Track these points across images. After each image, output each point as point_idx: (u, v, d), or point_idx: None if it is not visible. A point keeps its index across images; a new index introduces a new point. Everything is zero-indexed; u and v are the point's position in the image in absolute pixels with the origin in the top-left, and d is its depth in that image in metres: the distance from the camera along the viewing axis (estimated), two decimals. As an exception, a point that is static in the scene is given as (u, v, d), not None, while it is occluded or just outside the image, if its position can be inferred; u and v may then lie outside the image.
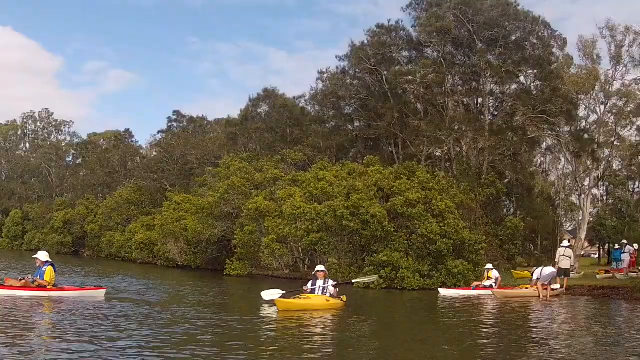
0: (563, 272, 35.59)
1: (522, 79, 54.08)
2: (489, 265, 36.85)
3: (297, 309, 23.29)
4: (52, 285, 25.20)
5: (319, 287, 25.54)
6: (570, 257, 36.11)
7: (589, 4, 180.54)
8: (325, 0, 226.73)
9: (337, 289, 26.20)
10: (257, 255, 45.86)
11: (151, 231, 61.97)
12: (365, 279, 31.59)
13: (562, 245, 37.84)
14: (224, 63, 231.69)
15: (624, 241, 46.87)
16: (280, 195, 46.38)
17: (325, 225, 40.96)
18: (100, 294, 26.45)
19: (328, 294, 25.39)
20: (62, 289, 25.75)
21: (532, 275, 34.42)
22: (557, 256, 36.59)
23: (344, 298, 26.31)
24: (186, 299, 27.98)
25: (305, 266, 45.70)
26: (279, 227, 43.77)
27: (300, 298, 24.48)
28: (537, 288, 32.73)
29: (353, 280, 31.30)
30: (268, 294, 25.96)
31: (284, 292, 25.44)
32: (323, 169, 48.31)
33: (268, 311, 23.25)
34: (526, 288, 33.96)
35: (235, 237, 47.39)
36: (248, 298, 31.49)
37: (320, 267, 26.73)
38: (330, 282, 26.03)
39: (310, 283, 26.07)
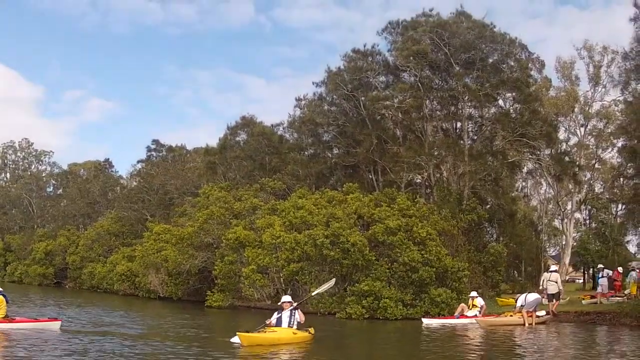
0: (552, 297, 35.35)
1: (500, 102, 53.93)
2: (474, 294, 36.32)
3: (262, 344, 22.27)
4: (2, 317, 24.66)
5: (285, 319, 24.23)
6: (556, 282, 35.79)
7: (565, 26, 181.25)
8: (302, 27, 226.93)
9: (303, 318, 24.62)
10: (238, 286, 45.24)
11: (132, 262, 61.37)
12: (324, 287, 29.23)
13: (549, 270, 37.56)
14: (203, 91, 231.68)
15: (601, 265, 46.79)
16: (259, 225, 45.89)
17: (306, 254, 40.49)
18: (55, 325, 25.80)
19: (295, 326, 24.22)
20: (12, 321, 25.15)
21: (516, 302, 34.01)
22: (544, 281, 36.32)
23: (312, 330, 25.03)
24: (153, 331, 27.54)
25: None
26: (259, 257, 43.23)
27: (265, 332, 23.27)
28: (521, 315, 32.35)
29: (312, 293, 29.72)
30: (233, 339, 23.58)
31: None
32: (302, 197, 47.88)
33: (234, 346, 22.12)
34: (510, 315, 33.54)
35: (216, 267, 46.79)
36: (221, 330, 30.90)
37: (285, 298, 25.31)
38: (296, 313, 24.50)
39: (275, 315, 24.64)
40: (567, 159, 54.34)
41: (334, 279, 31.20)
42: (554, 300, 35.49)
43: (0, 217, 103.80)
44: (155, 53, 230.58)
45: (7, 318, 25.04)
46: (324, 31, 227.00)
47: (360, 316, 37.40)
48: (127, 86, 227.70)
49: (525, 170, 61.52)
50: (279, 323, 24.15)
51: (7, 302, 25.35)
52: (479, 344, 25.78)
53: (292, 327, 24.13)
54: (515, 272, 63.16)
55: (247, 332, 22.82)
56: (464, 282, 40.84)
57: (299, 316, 24.44)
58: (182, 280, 53.56)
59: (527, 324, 31.71)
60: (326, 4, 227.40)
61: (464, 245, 46.84)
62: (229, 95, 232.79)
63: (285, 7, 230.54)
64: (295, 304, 24.85)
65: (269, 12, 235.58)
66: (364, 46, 56.75)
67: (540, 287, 36.68)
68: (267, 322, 24.16)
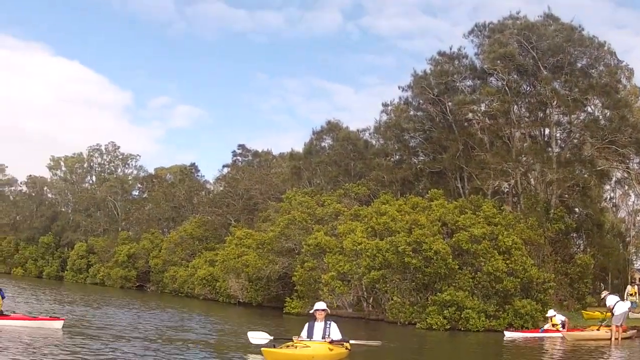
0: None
1: (589, 108, 52.41)
2: (551, 312, 34.93)
3: None
4: (-2, 313, 24.37)
5: (318, 330, 20.76)
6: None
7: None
8: (390, 36, 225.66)
9: (339, 337, 20.98)
10: (317, 293, 44.43)
11: (213, 267, 61.29)
12: (367, 343, 24.55)
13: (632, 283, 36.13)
14: (291, 99, 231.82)
15: None
16: (340, 231, 45.16)
17: (387, 262, 39.56)
18: (57, 325, 25.14)
19: (330, 340, 20.52)
20: (8, 317, 24.77)
21: (606, 302, 32.28)
22: (627, 295, 34.95)
23: (349, 345, 21.75)
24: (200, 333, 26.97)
25: (370, 305, 44.31)
26: (340, 264, 42.48)
27: (295, 347, 19.65)
28: (608, 330, 30.90)
29: (351, 341, 22.74)
30: (256, 337, 21.95)
31: (272, 337, 21.46)
32: (386, 203, 47.05)
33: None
34: (597, 330, 32.15)
35: (295, 273, 46.18)
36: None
37: (320, 305, 21.43)
38: (333, 325, 20.84)
39: (306, 327, 21.08)
40: (657, 168, 52.53)
41: (379, 342, 25.16)
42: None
43: (84, 220, 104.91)
44: (242, 60, 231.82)
45: (2, 315, 24.71)
46: (411, 39, 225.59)
47: (441, 327, 36.41)
48: (215, 93, 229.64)
49: (614, 179, 59.74)
50: (310, 335, 20.77)
51: (2, 297, 25.05)
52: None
53: (325, 340, 20.55)
54: (601, 284, 61.39)
55: (274, 346, 19.73)
56: (549, 294, 39.52)
57: (335, 332, 20.82)
58: (262, 285, 53.20)
59: (613, 339, 30.28)
60: (413, 12, 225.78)
61: (551, 256, 45.47)
62: (317, 103, 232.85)
63: (373, 16, 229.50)
64: (340, 336, 20.91)
65: (356, 20, 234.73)
66: (450, 49, 55.71)
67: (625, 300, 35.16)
68: (298, 337, 20.61)
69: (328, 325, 20.76)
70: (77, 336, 23.32)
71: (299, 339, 20.41)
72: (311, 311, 21.69)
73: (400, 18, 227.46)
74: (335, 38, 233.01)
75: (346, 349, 21.40)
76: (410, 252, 38.21)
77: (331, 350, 20.30)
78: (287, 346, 19.69)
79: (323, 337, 20.48)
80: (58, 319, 26.09)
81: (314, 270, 44.95)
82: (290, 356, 19.00)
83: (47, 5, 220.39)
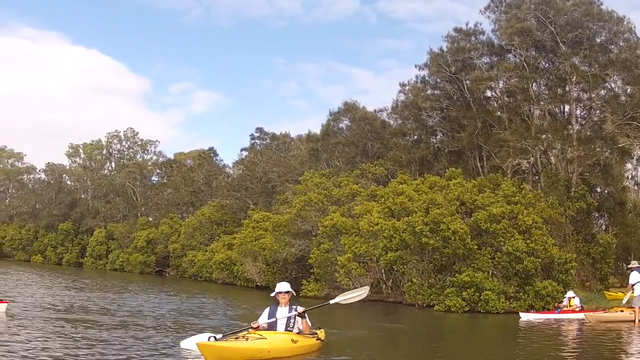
0: None
1: (609, 84, 51.48)
2: (570, 293, 34.07)
3: (240, 357, 14.62)
4: None
5: (281, 319, 16.91)
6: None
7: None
8: (407, 19, 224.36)
9: (308, 329, 17.24)
10: (333, 275, 43.80)
11: (231, 250, 60.84)
12: (352, 295, 19.56)
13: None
14: (310, 84, 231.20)
15: None
16: (357, 211, 44.48)
17: (404, 242, 38.81)
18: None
19: (296, 330, 16.87)
20: None
21: (629, 278, 30.91)
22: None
23: (322, 334, 17.90)
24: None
25: (388, 287, 43.59)
26: (356, 245, 41.82)
27: (246, 338, 15.40)
28: (633, 311, 29.82)
29: (331, 301, 19.34)
30: (187, 343, 16.58)
31: (216, 335, 15.48)
32: (403, 183, 46.33)
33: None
34: (621, 311, 31.09)
35: (312, 255, 45.54)
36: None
37: (282, 287, 17.40)
38: (299, 308, 17.07)
39: (266, 312, 17.31)
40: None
41: (366, 287, 20.54)
42: None
43: (103, 206, 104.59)
44: (260, 46, 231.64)
45: None
46: (429, 22, 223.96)
47: (459, 309, 35.61)
48: (234, 78, 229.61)
49: (635, 157, 58.72)
50: (272, 325, 16.83)
51: None
52: (586, 345, 23.43)
53: (290, 331, 16.77)
54: (624, 264, 60.34)
55: (216, 338, 15.12)
56: (571, 275, 38.66)
57: (301, 323, 17.05)
58: (279, 269, 52.62)
59: (637, 321, 29.21)
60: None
61: (572, 235, 44.58)
62: (335, 87, 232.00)
63: (390, 0, 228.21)
64: (301, 309, 17.13)
65: (373, 4, 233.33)
66: (466, 24, 54.82)
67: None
68: (253, 324, 16.76)
69: (292, 311, 17.06)
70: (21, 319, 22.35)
71: (257, 326, 16.64)
72: (272, 294, 17.62)
73: (416, 1, 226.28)
74: (352, 22, 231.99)
75: (318, 339, 17.49)
76: (428, 233, 37.45)
77: (295, 342, 16.29)
78: (237, 337, 15.63)
79: (287, 328, 16.81)
80: (2, 301, 25.01)
81: (330, 252, 44.31)
82: (234, 350, 14.64)
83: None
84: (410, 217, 39.27)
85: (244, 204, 74.63)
